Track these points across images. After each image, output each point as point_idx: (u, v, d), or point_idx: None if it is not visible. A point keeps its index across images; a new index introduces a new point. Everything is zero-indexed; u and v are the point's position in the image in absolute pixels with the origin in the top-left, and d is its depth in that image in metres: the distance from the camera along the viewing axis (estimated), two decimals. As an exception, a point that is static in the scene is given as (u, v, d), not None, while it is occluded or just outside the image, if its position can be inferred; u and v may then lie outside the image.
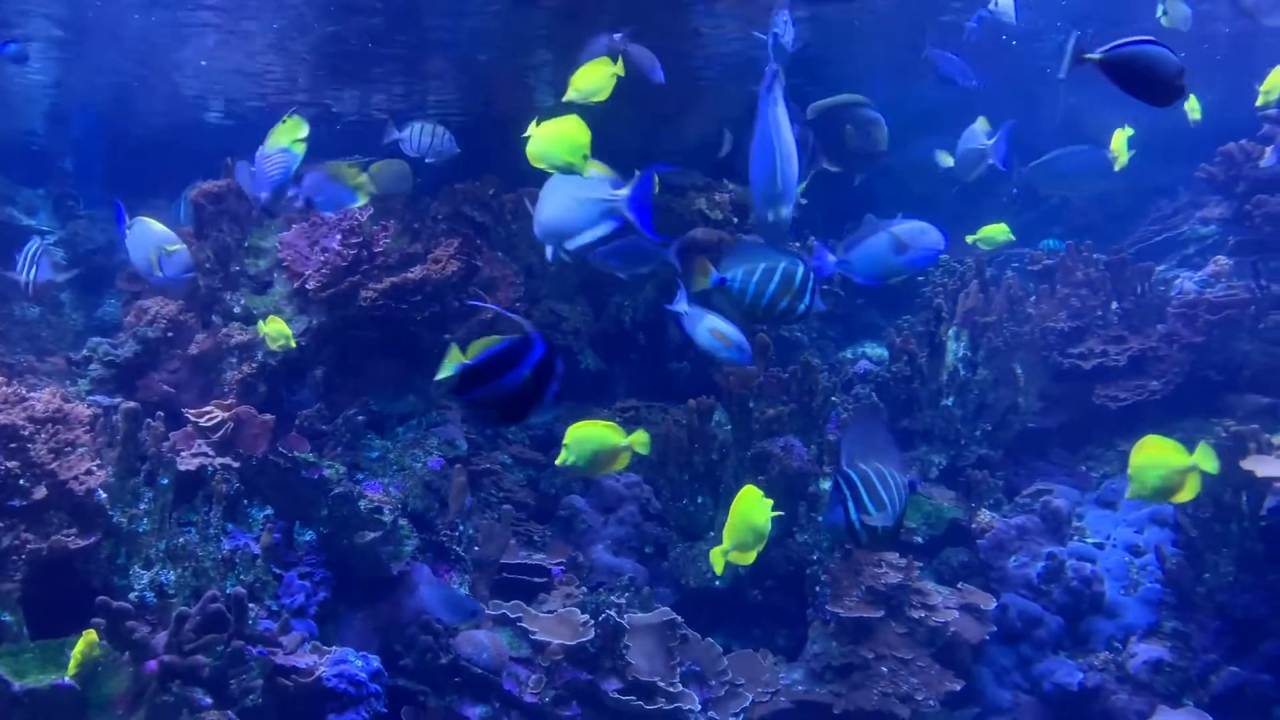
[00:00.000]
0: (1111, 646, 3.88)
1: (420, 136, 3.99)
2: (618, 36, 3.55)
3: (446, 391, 2.44)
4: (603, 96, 3.26)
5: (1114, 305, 4.74)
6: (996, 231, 4.47)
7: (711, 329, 3.22)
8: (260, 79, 5.65)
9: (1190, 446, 4.22)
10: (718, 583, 4.03)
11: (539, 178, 4.71)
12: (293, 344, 3.42)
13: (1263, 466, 3.72)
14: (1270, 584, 3.81)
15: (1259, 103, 4.14)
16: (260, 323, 3.45)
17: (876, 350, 5.45)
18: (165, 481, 2.93)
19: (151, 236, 3.34)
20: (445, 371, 1.94)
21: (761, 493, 3.02)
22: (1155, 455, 2.95)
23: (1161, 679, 3.74)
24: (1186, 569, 3.86)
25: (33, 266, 3.57)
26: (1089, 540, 4.13)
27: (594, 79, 3.24)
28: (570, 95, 3.19)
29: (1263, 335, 4.29)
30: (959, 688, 3.69)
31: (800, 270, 2.96)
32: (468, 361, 1.93)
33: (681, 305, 3.19)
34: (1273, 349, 4.09)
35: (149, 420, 2.99)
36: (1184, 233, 5.48)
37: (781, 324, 3.63)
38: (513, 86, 5.62)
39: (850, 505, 2.15)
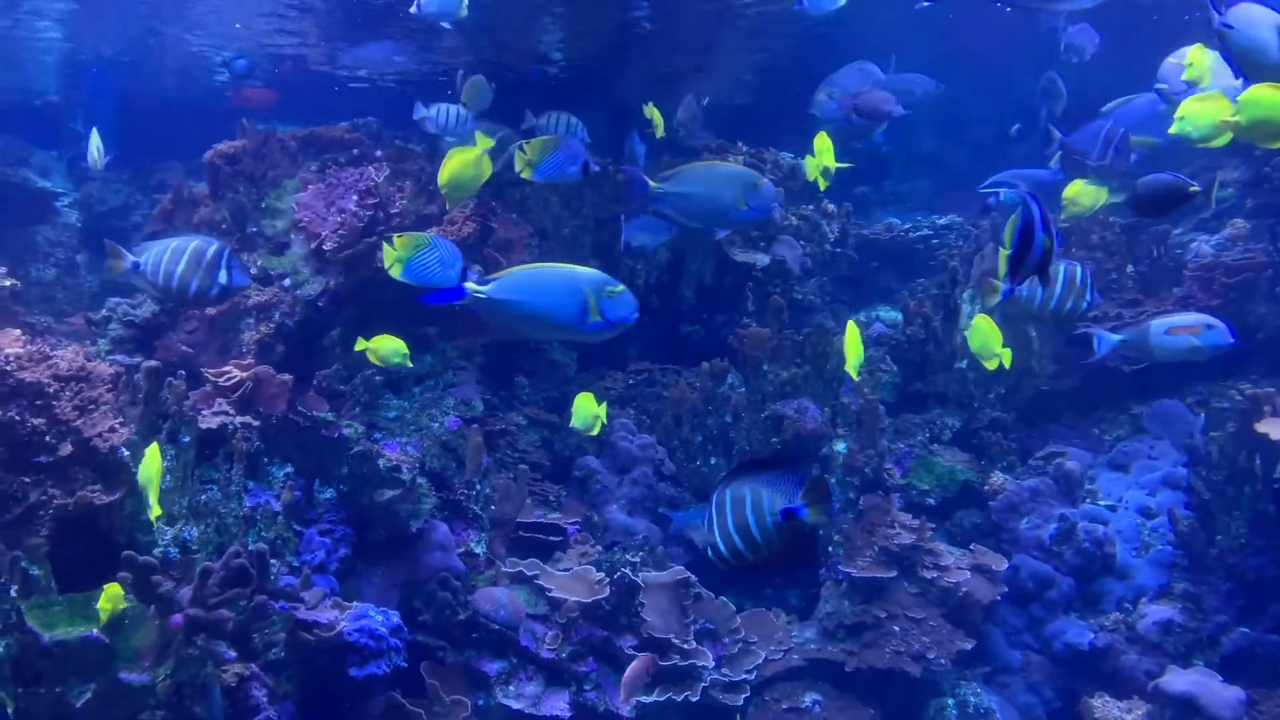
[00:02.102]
0: (1122, 607, 3.90)
1: (442, 115, 4.06)
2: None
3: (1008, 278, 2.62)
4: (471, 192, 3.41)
5: (1129, 269, 4.72)
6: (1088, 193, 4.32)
7: None
8: (273, 36, 5.62)
9: (1206, 413, 4.25)
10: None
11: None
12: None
13: (1277, 429, 3.73)
14: (1282, 546, 3.83)
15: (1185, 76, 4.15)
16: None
17: (890, 314, 5.44)
18: (187, 439, 2.96)
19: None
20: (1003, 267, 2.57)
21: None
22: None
23: (1171, 639, 3.77)
24: (1198, 531, 3.88)
25: (225, 271, 3.35)
26: (1101, 503, 4.15)
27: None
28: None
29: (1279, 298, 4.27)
30: (970, 647, 3.73)
31: (1079, 271, 3.55)
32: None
33: None
34: (1289, 312, 4.09)
35: (170, 379, 3.02)
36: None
37: (1066, 322, 3.96)
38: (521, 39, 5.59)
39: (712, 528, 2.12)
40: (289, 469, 3.27)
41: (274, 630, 2.81)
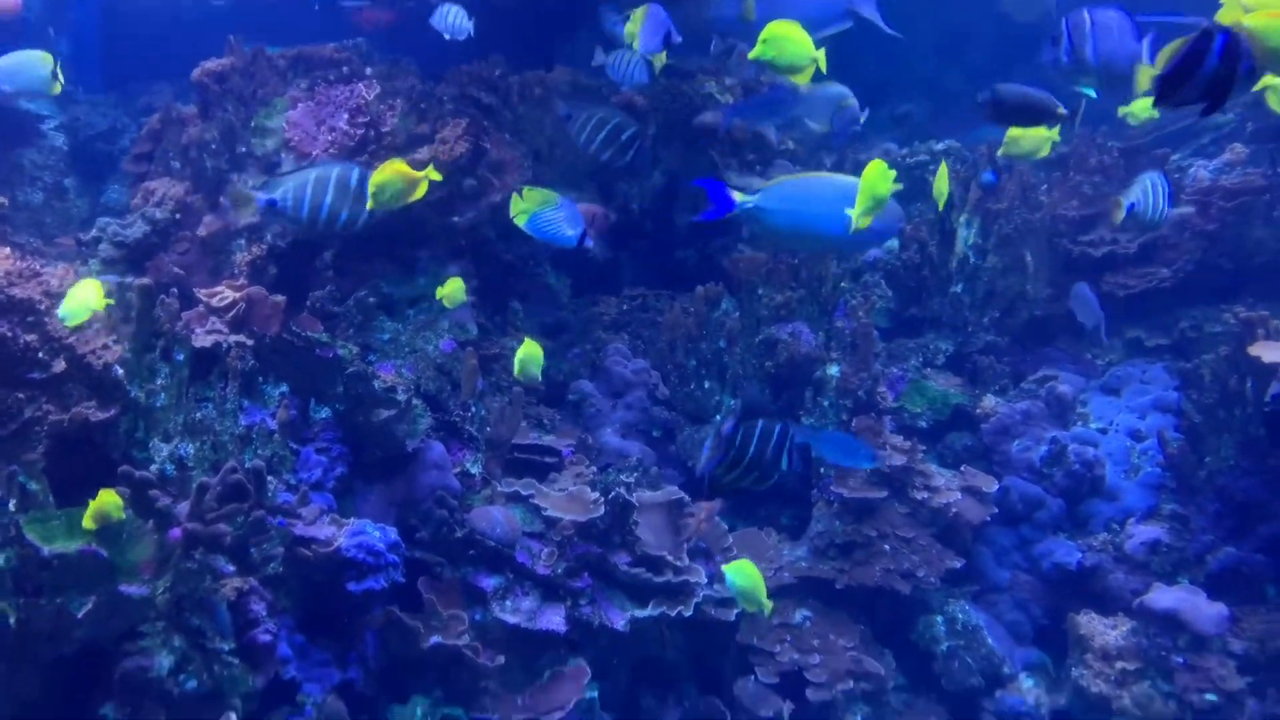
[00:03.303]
0: (1110, 528, 3.95)
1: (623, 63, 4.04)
2: None
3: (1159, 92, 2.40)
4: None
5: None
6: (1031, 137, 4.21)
7: None
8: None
9: (1200, 337, 4.25)
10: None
11: (547, 61, 4.66)
12: (101, 306, 2.75)
13: (1269, 352, 3.75)
14: (1271, 468, 3.86)
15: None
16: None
17: (887, 242, 5.42)
18: (181, 357, 2.96)
19: None
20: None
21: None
22: None
23: (1158, 559, 3.83)
24: (1188, 453, 3.92)
25: None
26: (1092, 425, 4.18)
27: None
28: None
29: (1277, 223, 4.26)
30: (959, 566, 3.78)
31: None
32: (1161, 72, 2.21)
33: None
34: (1286, 236, 4.08)
35: (162, 297, 3.00)
36: (1201, 122, 5.39)
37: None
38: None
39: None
40: (284, 388, 3.27)
41: (272, 545, 2.84)
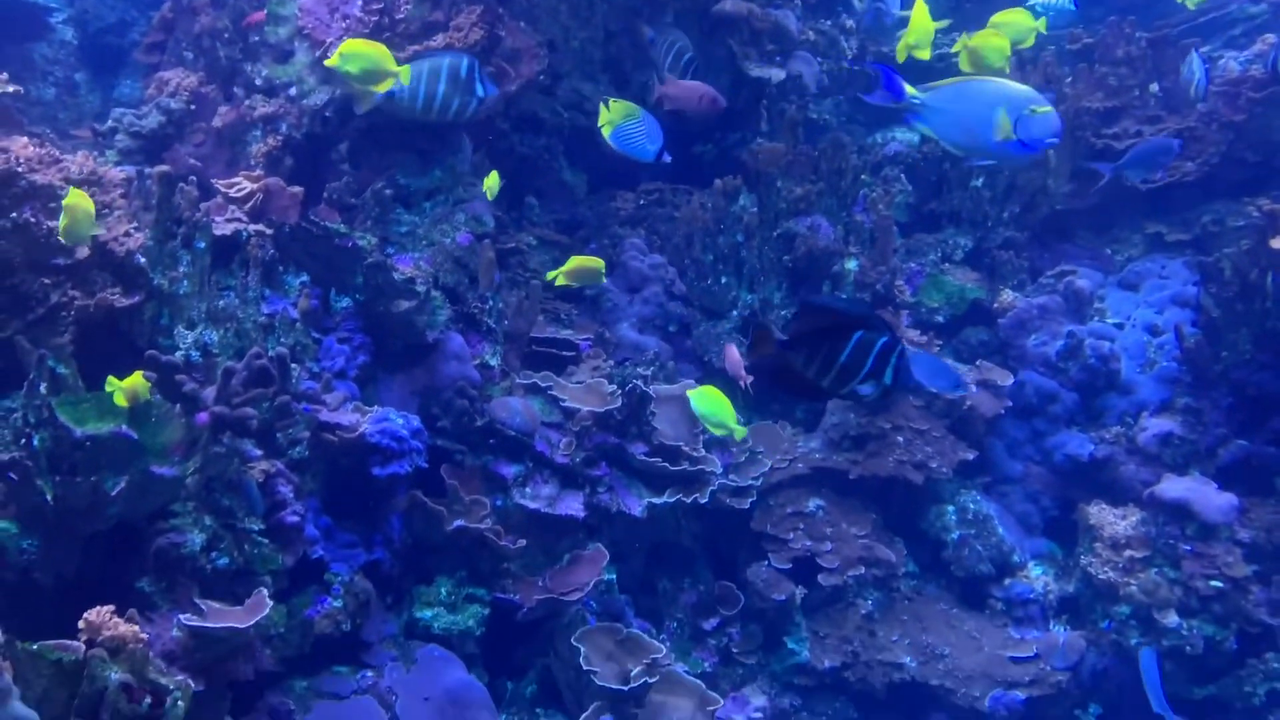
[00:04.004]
0: (1124, 421, 3.98)
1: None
2: None
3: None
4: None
5: (1153, 86, 4.60)
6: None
7: None
8: None
9: (1222, 232, 4.21)
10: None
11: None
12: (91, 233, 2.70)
13: (1292, 245, 3.71)
14: (1286, 362, 3.87)
15: None
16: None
17: (906, 135, 5.34)
18: (202, 245, 2.98)
19: None
20: None
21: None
22: None
23: (1170, 451, 3.86)
24: (1204, 347, 3.92)
25: (480, 84, 3.27)
26: (1109, 320, 4.18)
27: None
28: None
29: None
30: (972, 458, 3.83)
31: None
32: None
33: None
34: (1314, 129, 4.01)
35: (181, 185, 3.01)
36: (1231, 12, 5.24)
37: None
38: None
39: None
40: (304, 278, 3.29)
41: (297, 430, 2.89)
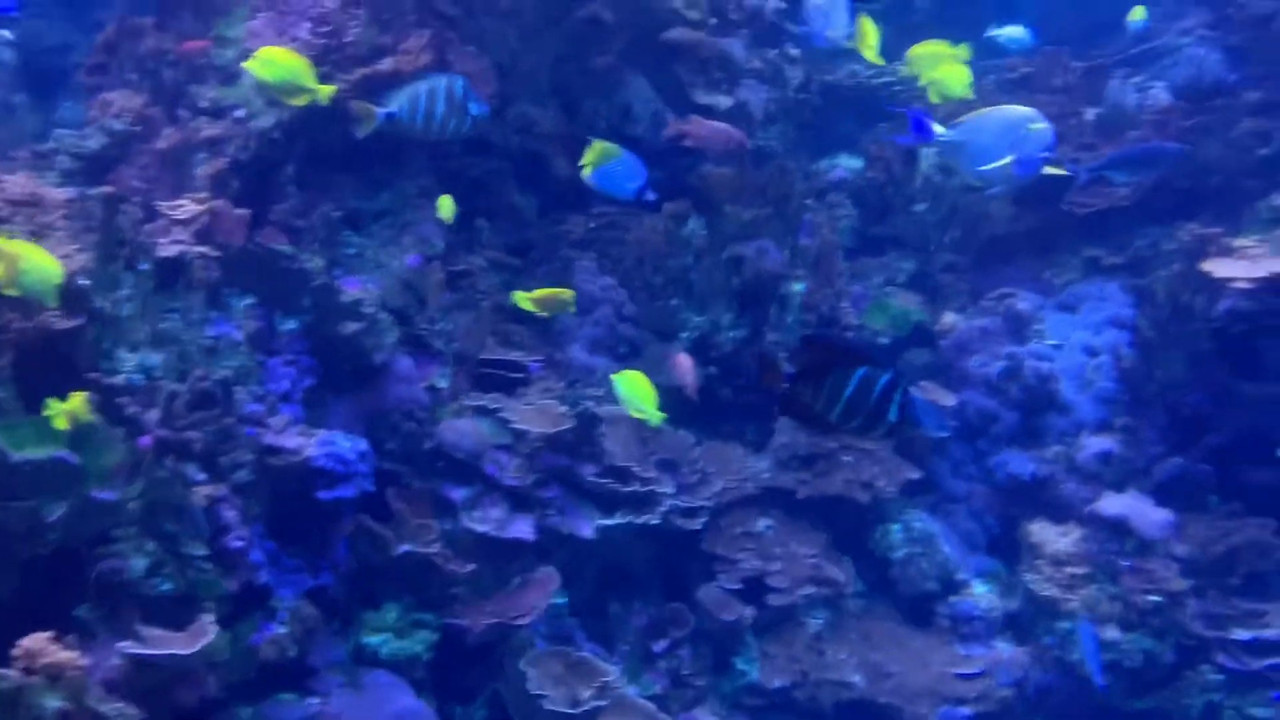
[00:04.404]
0: (1063, 440, 4.07)
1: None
2: None
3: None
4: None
5: (1089, 113, 4.74)
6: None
7: None
8: None
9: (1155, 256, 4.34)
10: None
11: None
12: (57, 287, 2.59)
13: (1221, 268, 3.84)
14: (1217, 382, 4.00)
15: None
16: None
17: (852, 161, 5.44)
18: (145, 267, 2.95)
19: None
20: None
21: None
22: None
23: (1109, 470, 3.96)
24: (1140, 368, 4.03)
25: (474, 103, 3.37)
26: (1048, 342, 4.28)
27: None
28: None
29: (1233, 143, 4.32)
30: (917, 477, 3.89)
31: None
32: None
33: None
34: (1242, 156, 4.14)
35: (125, 205, 2.98)
36: (1163, 43, 5.42)
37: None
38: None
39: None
40: (250, 300, 3.26)
41: (241, 454, 2.86)
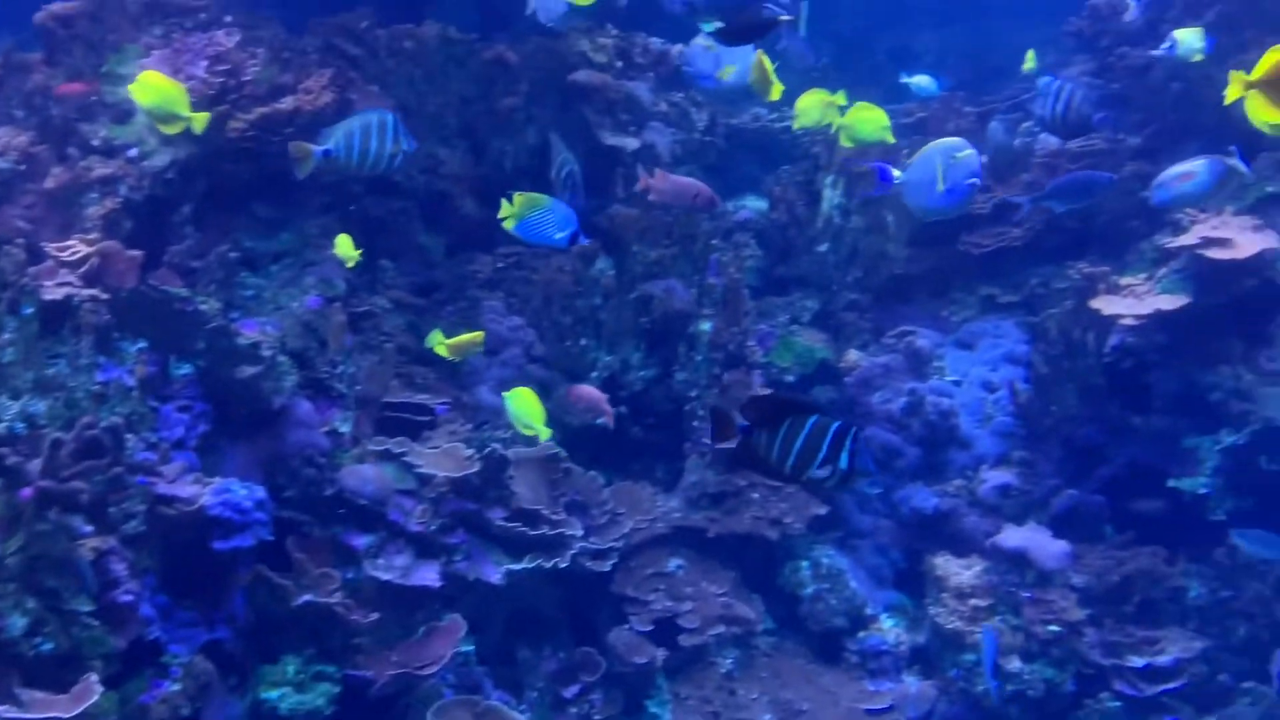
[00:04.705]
0: (964, 475, 4.17)
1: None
2: None
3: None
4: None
5: (982, 157, 4.90)
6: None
7: None
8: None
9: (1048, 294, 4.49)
10: (599, 421, 4.14)
11: (417, 16, 4.57)
12: None
13: (1109, 305, 4.00)
14: (1109, 416, 4.15)
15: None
16: None
17: (757, 202, 5.53)
18: (29, 311, 2.83)
19: None
20: None
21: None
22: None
23: (1008, 502, 4.06)
24: (1035, 402, 4.16)
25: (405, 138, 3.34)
26: (948, 378, 4.39)
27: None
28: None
29: (1118, 185, 4.50)
30: (824, 513, 3.93)
31: None
32: None
33: None
34: (1126, 198, 4.32)
35: (7, 246, 2.86)
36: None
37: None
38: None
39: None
40: (142, 344, 3.15)
41: (132, 504, 2.75)
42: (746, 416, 2.15)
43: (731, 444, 2.14)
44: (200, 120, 3.33)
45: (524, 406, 3.38)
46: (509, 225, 3.39)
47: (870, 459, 2.15)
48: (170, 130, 3.36)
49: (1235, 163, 3.50)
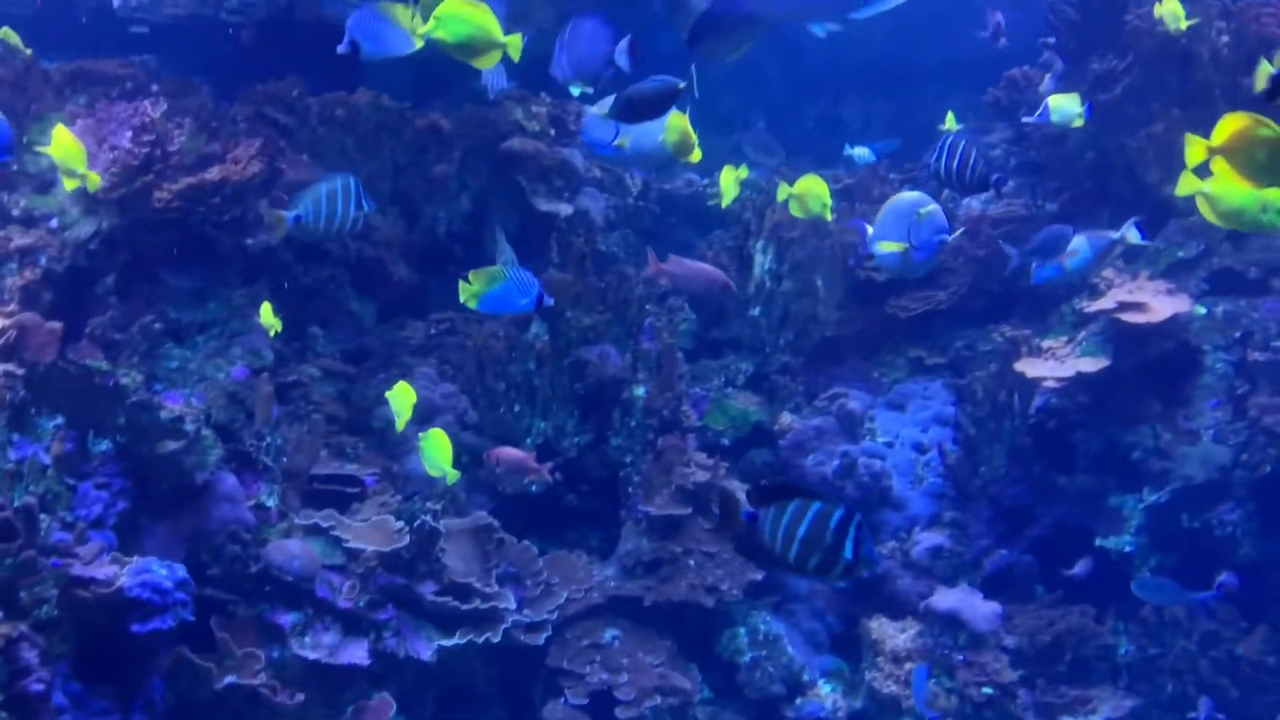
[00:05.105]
0: (898, 536, 4.20)
1: None
2: None
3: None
4: None
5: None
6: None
7: None
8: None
9: (974, 356, 4.58)
10: (534, 489, 4.11)
11: (349, 84, 4.57)
12: None
13: (1032, 368, 4.09)
14: (1035, 476, 4.23)
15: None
16: None
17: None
18: (-62, 389, 2.74)
19: None
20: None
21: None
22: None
23: (941, 564, 4.10)
24: (965, 464, 4.22)
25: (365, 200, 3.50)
26: (880, 440, 4.44)
27: None
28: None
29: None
30: (760, 578, 3.92)
31: None
32: None
33: None
34: (1045, 263, 4.44)
35: (-84, 323, 2.78)
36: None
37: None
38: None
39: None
40: (59, 420, 3.07)
41: (44, 588, 2.65)
42: (752, 504, 2.16)
43: (736, 532, 2.15)
44: (94, 180, 3.33)
45: (434, 448, 3.41)
46: (472, 304, 3.43)
47: (874, 548, 2.17)
48: (70, 185, 3.35)
49: (1131, 233, 3.65)
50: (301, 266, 4.24)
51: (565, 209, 5.02)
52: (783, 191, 4.02)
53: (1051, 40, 4.93)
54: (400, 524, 3.45)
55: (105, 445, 3.13)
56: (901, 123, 6.60)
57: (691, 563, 3.84)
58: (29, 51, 4.02)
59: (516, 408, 4.31)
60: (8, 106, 3.83)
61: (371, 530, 3.44)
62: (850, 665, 4.01)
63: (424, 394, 4.24)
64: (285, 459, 3.57)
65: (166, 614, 2.84)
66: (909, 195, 3.31)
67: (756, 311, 4.71)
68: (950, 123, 5.12)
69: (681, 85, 3.09)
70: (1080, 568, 3.95)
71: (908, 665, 3.77)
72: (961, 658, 3.73)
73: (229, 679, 2.94)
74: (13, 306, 3.39)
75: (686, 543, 3.88)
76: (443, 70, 4.75)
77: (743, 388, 4.63)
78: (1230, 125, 2.58)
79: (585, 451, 4.21)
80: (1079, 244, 3.64)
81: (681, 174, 6.20)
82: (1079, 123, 4.07)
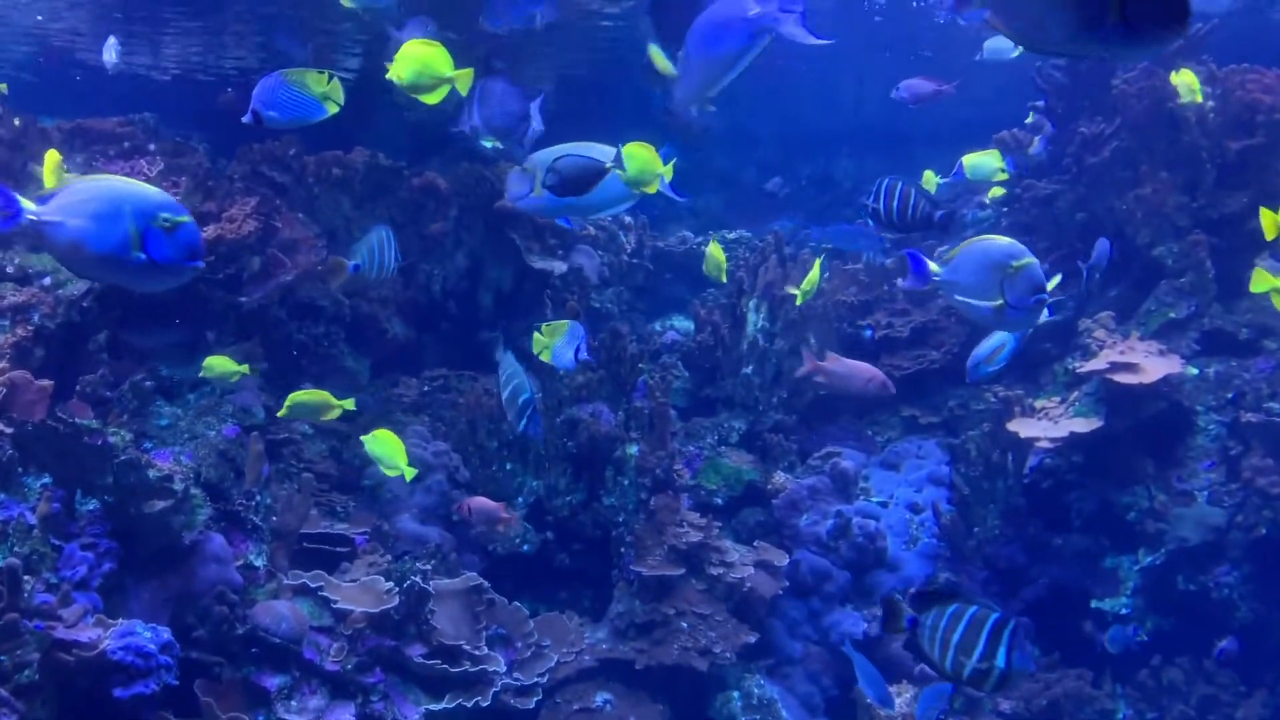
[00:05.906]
0: (893, 597, 4.15)
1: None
2: None
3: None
4: None
5: (900, 281, 5.05)
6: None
7: None
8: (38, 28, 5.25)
9: (967, 415, 4.59)
10: (525, 548, 4.08)
11: (346, 143, 4.62)
12: None
13: (1026, 428, 4.09)
14: (1030, 536, 4.20)
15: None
16: None
17: (683, 323, 5.61)
18: (-75, 448, 2.72)
19: None
20: None
21: None
22: None
23: (936, 626, 4.04)
24: (959, 524, 4.19)
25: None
26: (874, 499, 4.42)
27: None
28: None
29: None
30: (754, 640, 3.87)
31: None
32: None
33: None
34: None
35: (-95, 382, 2.76)
36: (964, 216, 5.88)
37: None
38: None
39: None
40: (46, 479, 3.04)
41: (26, 651, 2.61)
42: (913, 607, 2.22)
43: (900, 635, 2.25)
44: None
45: (384, 447, 3.44)
46: (545, 357, 3.55)
47: (1028, 656, 2.16)
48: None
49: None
50: (296, 324, 4.24)
51: (559, 266, 5.05)
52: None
53: (1040, 103, 5.00)
54: (390, 585, 3.41)
55: (93, 504, 3.10)
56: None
57: (684, 625, 3.80)
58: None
59: (508, 465, 4.30)
60: (6, 165, 3.86)
61: (360, 591, 3.39)
62: (845, 730, 3.95)
63: (416, 451, 4.22)
64: (275, 518, 3.53)
65: (150, 678, 2.79)
66: (999, 242, 2.75)
67: (749, 369, 4.71)
68: (929, 180, 5.18)
69: (609, 166, 3.12)
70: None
71: (903, 730, 3.71)
72: (958, 723, 3.68)
73: (212, 745, 2.88)
74: (3, 364, 3.37)
75: (679, 604, 3.83)
76: (438, 128, 4.80)
77: (736, 446, 4.61)
78: None
79: (578, 510, 4.18)
80: (1004, 338, 3.77)
81: (675, 231, 6.26)
82: (1002, 175, 4.16)
